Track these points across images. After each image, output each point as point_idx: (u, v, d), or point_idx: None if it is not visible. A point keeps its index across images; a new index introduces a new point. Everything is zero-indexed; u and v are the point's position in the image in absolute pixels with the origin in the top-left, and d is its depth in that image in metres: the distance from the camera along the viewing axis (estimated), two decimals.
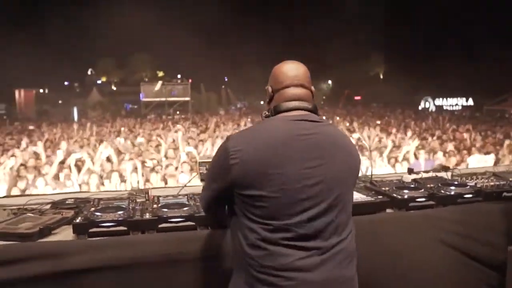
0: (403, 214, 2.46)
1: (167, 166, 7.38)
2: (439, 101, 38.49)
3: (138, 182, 6.78)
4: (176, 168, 7.36)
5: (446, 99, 38.05)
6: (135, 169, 7.28)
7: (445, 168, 3.41)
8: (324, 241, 1.60)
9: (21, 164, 8.03)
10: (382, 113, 25.08)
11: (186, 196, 2.49)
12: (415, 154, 8.11)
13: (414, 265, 2.36)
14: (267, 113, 1.80)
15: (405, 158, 7.77)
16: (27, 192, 6.51)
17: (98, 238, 2.05)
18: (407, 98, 36.42)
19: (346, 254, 1.65)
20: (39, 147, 9.12)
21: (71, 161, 7.28)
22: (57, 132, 14.92)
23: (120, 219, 2.08)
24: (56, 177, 7.00)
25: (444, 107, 36.77)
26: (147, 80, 41.96)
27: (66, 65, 39.99)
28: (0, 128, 18.75)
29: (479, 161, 7.87)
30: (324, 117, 1.81)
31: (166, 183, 6.72)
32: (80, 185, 6.76)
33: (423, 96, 39.09)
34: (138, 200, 2.46)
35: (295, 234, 1.57)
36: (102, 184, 6.82)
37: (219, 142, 9.13)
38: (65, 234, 2.13)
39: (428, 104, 38.68)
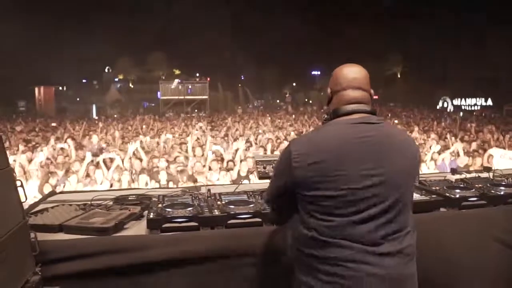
0: (457, 213, 2.52)
1: (194, 164, 7.51)
2: (457, 101, 38.08)
3: (167, 181, 6.91)
4: (204, 166, 7.47)
5: (465, 99, 37.64)
6: (165, 167, 7.44)
7: (487, 169, 3.46)
8: (385, 239, 1.67)
9: (51, 162, 8.23)
10: (400, 113, 24.95)
11: (246, 194, 2.59)
12: (439, 154, 8.11)
13: (469, 263, 2.42)
14: (326, 116, 1.88)
15: (432, 159, 7.77)
16: (58, 189, 6.68)
17: (170, 233, 2.15)
18: (425, 98, 36.11)
19: (406, 252, 1.71)
20: (69, 144, 9.31)
21: (101, 159, 7.44)
22: (80, 130, 15.16)
23: (191, 215, 2.18)
24: (87, 175, 7.14)
25: (463, 107, 36.39)
26: (164, 78, 42.25)
27: (84, 63, 40.50)
28: (26, 124, 19.05)
29: (503, 156, 7.83)
30: (382, 118, 1.88)
31: (195, 181, 6.84)
32: (111, 183, 6.90)
33: (441, 96, 38.72)
34: (199, 197, 2.56)
35: (357, 231, 1.65)
36: (133, 181, 6.96)
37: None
38: (136, 229, 2.25)
39: (446, 104, 38.32)
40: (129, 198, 2.71)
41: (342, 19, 40.28)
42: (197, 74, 39.74)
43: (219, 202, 2.40)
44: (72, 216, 2.35)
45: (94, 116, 31.51)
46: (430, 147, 8.69)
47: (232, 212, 2.22)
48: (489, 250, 2.46)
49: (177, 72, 46.01)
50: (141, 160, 7.91)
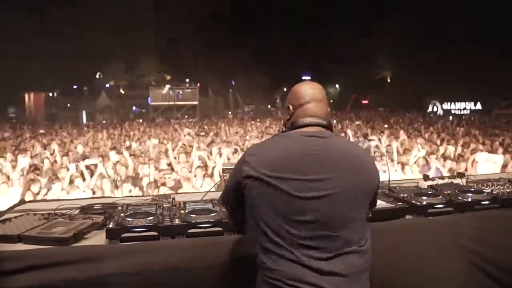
0: (422, 220, 2.52)
1: (181, 169, 7.48)
2: (447, 105, 38.33)
3: (151, 186, 6.87)
4: (190, 172, 7.45)
5: (454, 103, 37.89)
6: (146, 173, 7.40)
7: (460, 175, 3.47)
8: (329, 254, 1.66)
9: (34, 168, 8.17)
10: (389, 117, 25.07)
11: (211, 202, 2.58)
12: (425, 159, 8.14)
13: (434, 271, 2.42)
14: (284, 128, 1.92)
15: (416, 163, 7.80)
16: (40, 196, 6.61)
17: (130, 243, 2.13)
18: (415, 102, 36.34)
19: (355, 269, 1.69)
20: (54, 150, 9.25)
21: (83, 166, 7.39)
22: (67, 136, 15.09)
23: (150, 224, 2.16)
24: (71, 181, 7.08)
25: (452, 111, 36.62)
26: (155, 84, 42.20)
27: (75, 69, 40.31)
28: (13, 131, 18.92)
29: (488, 160, 7.88)
30: (337, 133, 1.90)
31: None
32: (92, 190, 6.85)
33: (431, 100, 38.96)
34: (164, 206, 2.54)
35: (301, 245, 1.65)
36: (116, 188, 6.91)
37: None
38: (97, 238, 2.22)
39: (436, 108, 38.54)
40: (95, 207, 2.68)
41: (331, 23, 40.46)
42: (187, 80, 39.76)
43: (182, 211, 2.38)
44: (34, 226, 2.32)
45: (84, 121, 31.38)
46: (416, 153, 8.74)
47: (193, 221, 2.21)
48: (454, 258, 2.46)
49: (167, 77, 45.98)
50: (127, 167, 7.88)
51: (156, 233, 2.15)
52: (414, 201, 2.58)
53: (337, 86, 50.81)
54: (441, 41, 36.65)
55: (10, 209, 2.94)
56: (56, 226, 2.33)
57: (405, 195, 2.73)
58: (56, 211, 2.59)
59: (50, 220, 2.44)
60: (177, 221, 2.21)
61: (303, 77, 49.55)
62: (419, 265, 2.39)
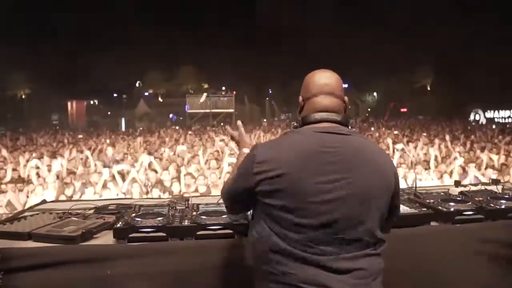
0: (448, 228, 2.34)
1: (210, 175, 7.46)
2: (490, 114, 36.94)
3: (180, 192, 6.89)
4: (219, 178, 7.42)
5: (498, 111, 36.47)
6: (177, 178, 7.43)
7: (495, 181, 3.25)
8: (344, 257, 1.54)
9: (69, 172, 8.38)
10: (429, 126, 24.35)
11: None
12: (463, 168, 7.81)
13: (459, 281, 2.24)
14: (295, 124, 1.78)
15: (454, 172, 7.48)
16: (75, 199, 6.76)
17: (138, 243, 2.08)
18: (456, 110, 35.21)
19: (368, 272, 1.57)
20: (88, 156, 9.47)
21: (115, 170, 7.51)
22: (104, 142, 15.44)
23: (159, 225, 2.10)
24: (104, 185, 7.20)
25: (496, 120, 35.24)
26: (192, 92, 42.85)
27: (115, 78, 41.54)
28: (53, 137, 19.60)
29: None
30: (354, 129, 1.74)
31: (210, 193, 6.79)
32: (125, 194, 6.93)
33: (473, 108, 37.67)
34: (178, 208, 2.48)
35: (313, 247, 1.54)
36: (146, 193, 6.97)
37: None
38: (106, 238, 2.18)
39: (478, 116, 37.21)
40: (109, 207, 2.66)
41: (368, 31, 39.88)
42: (223, 88, 40.16)
43: (194, 213, 2.32)
44: (46, 224, 2.32)
45: (123, 129, 32.13)
46: (454, 160, 8.40)
47: (203, 223, 2.13)
48: (482, 268, 2.27)
49: (205, 86, 46.60)
50: (156, 172, 7.94)
51: (164, 234, 2.09)
52: (440, 207, 2.40)
53: (375, 94, 49.97)
54: (483, 48, 35.41)
55: (31, 208, 2.98)
56: (68, 225, 2.32)
57: (431, 200, 2.56)
58: (71, 211, 2.59)
59: (63, 219, 2.43)
60: (186, 222, 2.15)
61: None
62: (443, 274, 2.22)
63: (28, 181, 7.68)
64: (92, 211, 2.62)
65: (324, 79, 1.75)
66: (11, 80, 41.85)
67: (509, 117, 35.53)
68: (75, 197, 6.83)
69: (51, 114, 41.85)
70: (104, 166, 8.56)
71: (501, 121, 33.96)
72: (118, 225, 2.11)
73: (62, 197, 6.66)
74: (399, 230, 2.23)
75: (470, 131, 19.50)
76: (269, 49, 42.36)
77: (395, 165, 7.29)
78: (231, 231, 2.13)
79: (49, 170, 8.33)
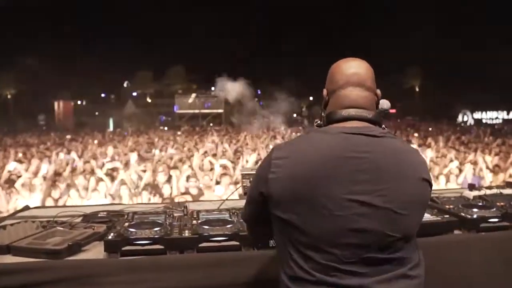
0: (474, 236, 2.14)
1: (203, 177, 7.23)
2: (478, 114, 37.21)
3: (171, 194, 6.65)
4: (211, 180, 7.19)
5: (486, 112, 36.75)
6: (167, 181, 7.18)
7: (510, 184, 3.07)
8: (378, 279, 1.31)
9: (57, 174, 8.09)
10: (418, 127, 24.35)
11: (228, 212, 2.26)
12: (459, 169, 7.69)
13: None
14: (319, 121, 1.53)
15: (452, 173, 7.35)
16: (60, 202, 6.48)
17: (132, 257, 1.84)
18: (444, 111, 35.41)
19: None
20: (74, 157, 9.19)
21: (101, 173, 7.24)
22: (92, 143, 15.08)
23: (156, 236, 1.86)
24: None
25: (484, 121, 35.49)
26: (181, 92, 42.52)
27: (103, 78, 41.07)
28: (38, 138, 19.17)
29: None
30: (387, 129, 1.48)
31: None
32: (112, 196, 6.67)
33: (461, 110, 37.91)
34: (175, 215, 2.24)
35: (341, 270, 1.30)
36: (136, 196, 6.71)
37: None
38: (96, 251, 1.94)
39: (467, 117, 37.46)
40: (99, 215, 2.40)
41: (357, 31, 39.97)
42: (213, 88, 39.84)
43: (194, 222, 2.08)
44: (27, 235, 2.06)
45: (111, 129, 31.68)
46: (449, 161, 8.28)
47: (205, 234, 1.89)
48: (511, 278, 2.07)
49: (194, 86, 46.22)
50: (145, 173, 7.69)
51: (162, 247, 1.85)
52: (463, 214, 2.20)
53: None
54: (471, 50, 35.66)
55: (12, 215, 2.72)
56: (53, 236, 2.07)
57: (451, 206, 2.35)
58: (56, 219, 2.33)
59: (47, 229, 2.18)
60: (186, 233, 1.91)
61: None
62: (469, 286, 2.01)
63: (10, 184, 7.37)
64: (80, 219, 2.37)
65: (353, 67, 1.47)
66: None
67: (496, 118, 35.82)
68: (61, 199, 6.56)
69: (38, 115, 41.20)
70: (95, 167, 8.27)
71: (489, 122, 34.20)
72: (110, 237, 1.86)
73: (49, 200, 6.39)
74: (420, 239, 2.03)
75: (460, 132, 19.52)
76: (258, 50, 42.22)
77: None
78: (237, 243, 1.90)
79: (35, 173, 8.04)
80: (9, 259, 1.88)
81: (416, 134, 17.43)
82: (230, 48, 40.84)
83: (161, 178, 7.34)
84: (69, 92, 40.81)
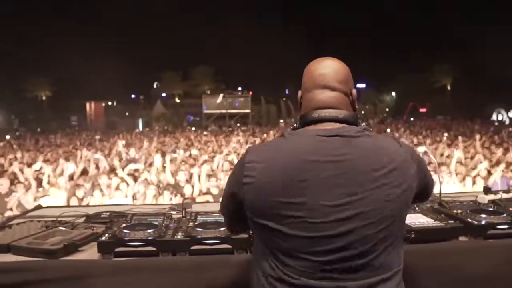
0: (480, 244, 2.04)
1: (224, 177, 7.25)
2: None
3: (192, 194, 6.70)
4: None
5: None
6: (188, 181, 7.23)
7: None
8: (357, 284, 1.27)
9: (82, 173, 8.27)
10: (449, 126, 23.75)
11: None
12: (489, 171, 7.40)
13: None
14: (295, 125, 1.48)
15: (479, 175, 7.09)
16: (84, 201, 6.63)
17: (125, 259, 1.85)
18: (477, 109, 34.37)
19: None
20: (99, 157, 9.38)
21: (122, 173, 7.35)
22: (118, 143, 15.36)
23: (149, 238, 1.87)
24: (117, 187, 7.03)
25: None
26: (209, 92, 42.91)
27: (133, 79, 41.92)
28: (69, 138, 19.69)
29: None
30: (363, 125, 1.43)
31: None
32: (135, 196, 6.76)
33: (495, 108, 36.73)
34: (174, 217, 2.24)
35: (320, 277, 1.26)
36: (160, 194, 6.78)
37: None
38: (92, 252, 1.95)
39: (501, 116, 36.24)
40: (102, 215, 2.43)
41: (388, 30, 39.29)
42: (240, 88, 40.07)
43: (191, 224, 2.07)
44: (29, 234, 2.10)
45: (140, 129, 32.25)
46: (478, 162, 8.01)
47: (198, 236, 1.88)
48: None
49: (222, 86, 46.58)
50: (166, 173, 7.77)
51: (154, 249, 1.85)
52: (470, 220, 2.09)
53: (393, 94, 49.21)
54: (506, 47, 34.48)
55: (23, 215, 2.79)
56: (54, 236, 2.10)
57: (459, 211, 2.25)
58: (60, 219, 2.37)
59: (49, 229, 2.22)
60: (179, 236, 1.90)
61: (358, 85, 48.58)
62: None
63: (39, 183, 7.58)
64: (83, 219, 2.40)
65: (320, 69, 1.44)
66: (32, 82, 42.57)
67: None
68: (85, 199, 6.71)
69: (70, 115, 42.42)
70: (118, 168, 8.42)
71: None
72: (103, 238, 1.87)
73: (74, 199, 6.54)
74: (422, 246, 1.96)
75: (494, 131, 18.89)
76: (286, 50, 42.08)
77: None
78: (229, 246, 1.88)
79: (62, 172, 8.24)
80: (8, 257, 1.92)
81: (446, 134, 16.99)
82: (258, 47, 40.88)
83: (182, 177, 7.41)
84: (100, 93, 41.84)
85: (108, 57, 39.80)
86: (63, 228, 2.22)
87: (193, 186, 6.99)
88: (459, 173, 7.37)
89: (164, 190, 6.82)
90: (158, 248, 1.85)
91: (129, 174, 7.57)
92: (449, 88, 44.87)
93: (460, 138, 12.36)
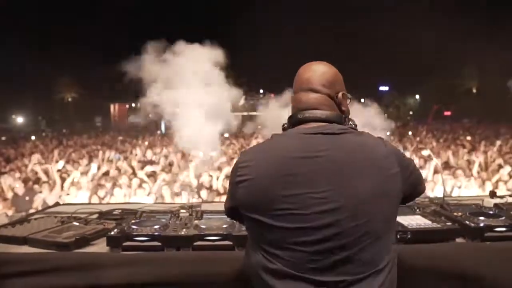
0: (477, 246, 2.08)
1: None
2: None
3: (207, 195, 6.80)
4: None
5: None
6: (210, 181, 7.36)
7: None
8: (340, 278, 1.34)
9: (104, 174, 8.50)
10: (474, 130, 23.30)
11: None
12: (510, 175, 7.31)
13: None
14: (285, 125, 1.60)
15: (501, 180, 7.00)
16: (105, 200, 6.82)
17: (132, 252, 1.96)
18: (504, 113, 33.59)
19: None
20: (120, 158, 9.60)
21: (142, 174, 7.54)
22: (142, 144, 15.64)
23: (155, 233, 1.98)
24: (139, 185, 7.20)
25: None
26: None
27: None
28: (92, 139, 20.15)
29: None
30: (348, 125, 1.51)
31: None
32: (155, 196, 6.92)
33: None
34: (181, 215, 2.35)
35: (304, 267, 1.34)
36: (177, 195, 6.93)
37: None
38: (102, 246, 2.08)
39: None
40: (114, 212, 2.56)
41: (410, 31, 38.83)
42: (261, 90, 40.17)
43: (196, 221, 2.18)
44: (44, 229, 2.25)
45: (163, 131, 32.63)
46: (499, 167, 7.91)
47: (201, 233, 1.99)
48: None
49: (243, 88, 46.72)
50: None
51: (159, 244, 1.96)
52: (467, 222, 2.14)
53: (417, 97, 48.54)
54: None
55: (42, 211, 2.94)
56: (68, 231, 2.24)
57: (459, 214, 2.29)
58: (75, 215, 2.51)
59: (64, 224, 2.36)
60: (183, 232, 2.01)
61: (380, 88, 48.11)
62: None
63: (62, 182, 7.82)
64: (96, 216, 2.54)
65: (306, 73, 1.56)
66: (58, 83, 43.60)
67: None
68: (106, 198, 6.89)
69: (95, 116, 43.27)
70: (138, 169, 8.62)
71: None
72: (112, 233, 1.99)
73: (95, 198, 6.74)
74: (420, 246, 2.01)
75: None
76: (307, 52, 42.02)
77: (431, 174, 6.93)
78: (230, 243, 1.97)
79: (84, 172, 8.48)
80: (25, 249, 2.06)
81: (469, 138, 16.71)
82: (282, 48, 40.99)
83: (205, 179, 7.52)
84: (124, 94, 42.56)
85: (132, 58, 40.46)
86: (77, 224, 2.36)
87: (210, 188, 7.11)
88: (479, 177, 7.30)
89: (182, 191, 6.96)
90: (163, 243, 1.96)
91: (149, 176, 7.74)
92: (474, 91, 44.06)
93: (482, 142, 12.17)
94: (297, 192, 1.34)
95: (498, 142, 11.59)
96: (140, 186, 7.08)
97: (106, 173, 8.60)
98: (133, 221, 2.17)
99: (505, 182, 6.97)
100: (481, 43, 34.90)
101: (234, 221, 1.74)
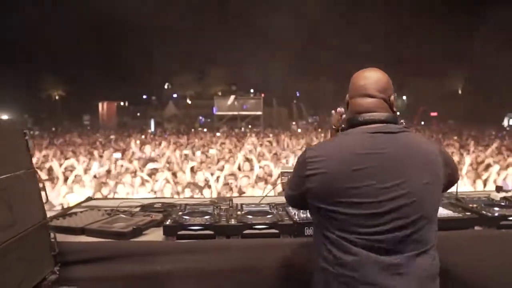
0: (494, 233, 2.33)
1: (241, 178, 7.52)
2: None
3: (211, 194, 6.97)
4: (249, 178, 7.46)
5: None
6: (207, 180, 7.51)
7: None
8: (404, 257, 1.56)
9: (107, 172, 8.62)
10: (460, 130, 23.83)
11: (268, 205, 2.55)
12: (499, 175, 7.61)
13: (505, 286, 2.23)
14: (343, 126, 1.80)
15: (489, 178, 7.31)
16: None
17: (186, 240, 2.15)
18: (488, 114, 34.34)
19: (427, 272, 1.60)
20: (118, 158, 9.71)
21: (146, 171, 7.67)
22: (134, 143, 15.70)
23: (207, 223, 2.17)
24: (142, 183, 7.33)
25: None
26: (220, 94, 43.23)
27: (145, 80, 42.32)
28: (83, 137, 20.12)
29: None
30: (403, 122, 1.74)
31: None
32: (155, 193, 7.07)
33: (507, 113, 36.66)
34: (222, 207, 2.54)
35: (373, 248, 1.56)
36: (177, 193, 7.08)
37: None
38: (155, 235, 2.26)
39: None
40: (155, 206, 2.74)
41: (398, 34, 39.41)
42: (252, 90, 40.36)
43: (239, 212, 2.37)
44: (96, 220, 2.42)
45: (152, 130, 32.66)
46: (488, 166, 8.21)
47: (249, 222, 2.19)
48: None
49: (233, 88, 46.89)
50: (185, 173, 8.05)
51: (212, 232, 2.15)
52: (484, 212, 2.39)
53: (404, 98, 49.20)
54: None
55: (78, 205, 3.09)
56: (117, 222, 2.41)
57: (475, 205, 2.54)
58: (118, 208, 2.69)
59: (112, 216, 2.53)
60: (233, 221, 2.20)
61: None
62: (489, 278, 2.20)
63: (65, 179, 7.91)
64: (138, 209, 2.71)
65: (361, 80, 1.75)
66: (45, 81, 43.11)
67: None
68: (109, 196, 7.01)
69: (83, 115, 42.96)
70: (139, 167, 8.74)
71: None
72: (167, 223, 2.18)
73: (98, 195, 6.86)
74: (442, 233, 2.23)
75: (505, 135, 19.00)
76: (298, 54, 42.30)
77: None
78: (276, 231, 2.18)
79: (86, 170, 8.57)
80: (84, 238, 2.23)
81: (456, 138, 17.14)
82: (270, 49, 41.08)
83: (200, 177, 7.68)
84: (112, 93, 42.35)
85: (121, 58, 40.32)
86: (124, 216, 2.53)
87: (210, 186, 7.28)
88: (469, 177, 7.60)
89: (185, 188, 7.12)
90: (215, 232, 2.15)
91: (149, 175, 7.88)
92: (460, 92, 44.84)
93: (472, 142, 12.55)
94: (366, 183, 1.56)
95: (495, 145, 11.96)
96: (142, 183, 7.22)
97: (108, 172, 8.72)
98: (181, 212, 2.35)
99: (495, 181, 7.29)
100: (467, 44, 35.60)
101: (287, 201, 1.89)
